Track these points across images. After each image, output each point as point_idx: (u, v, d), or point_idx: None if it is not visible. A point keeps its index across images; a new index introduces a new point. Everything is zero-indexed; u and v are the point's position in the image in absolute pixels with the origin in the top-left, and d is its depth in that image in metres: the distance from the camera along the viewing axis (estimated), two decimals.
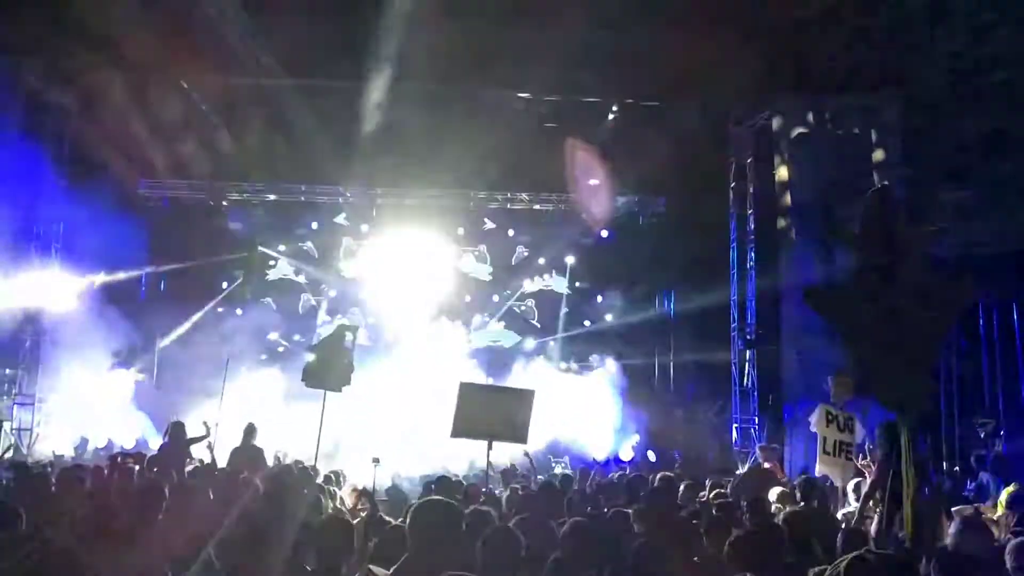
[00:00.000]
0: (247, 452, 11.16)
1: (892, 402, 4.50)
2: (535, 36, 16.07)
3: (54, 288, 17.65)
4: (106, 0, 14.88)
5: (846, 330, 4.43)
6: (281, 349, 20.43)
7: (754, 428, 18.36)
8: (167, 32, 15.52)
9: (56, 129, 17.86)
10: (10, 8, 14.61)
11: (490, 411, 10.76)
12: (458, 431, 10.79)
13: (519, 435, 10.85)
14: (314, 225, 21.67)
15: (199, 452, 11.76)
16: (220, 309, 20.69)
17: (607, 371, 20.70)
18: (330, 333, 10.32)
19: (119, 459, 10.69)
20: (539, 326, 21.96)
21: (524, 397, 11.14)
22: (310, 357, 9.94)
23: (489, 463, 10.53)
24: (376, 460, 9.75)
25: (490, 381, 18.22)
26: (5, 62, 16.58)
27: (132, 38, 15.61)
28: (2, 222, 16.34)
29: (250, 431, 11.57)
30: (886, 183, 4.79)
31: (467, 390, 11.19)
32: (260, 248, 21.22)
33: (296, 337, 20.82)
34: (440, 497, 5.32)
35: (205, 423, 11.60)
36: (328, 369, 9.78)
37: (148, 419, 17.91)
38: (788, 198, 17.85)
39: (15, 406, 17.08)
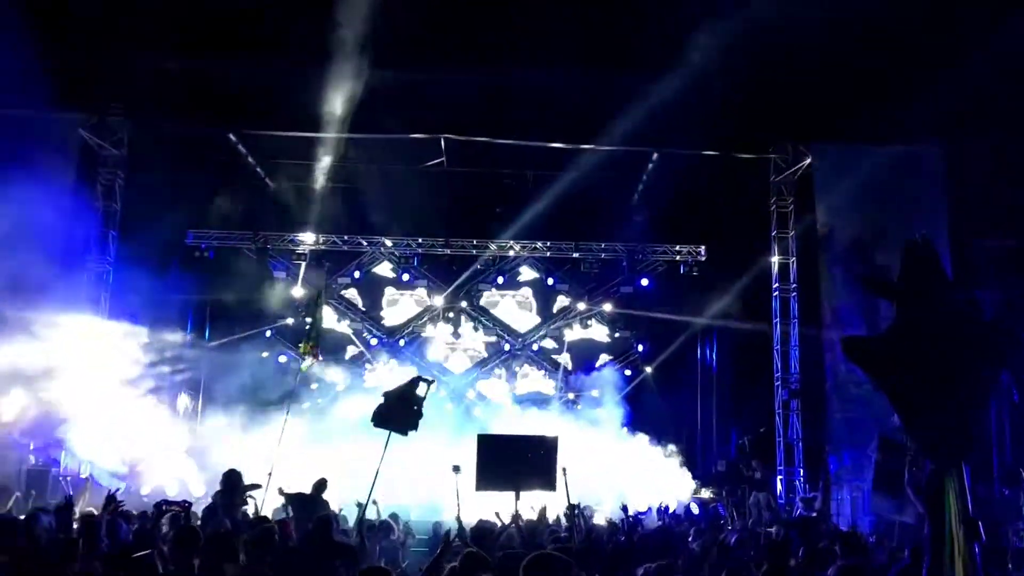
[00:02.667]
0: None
1: (937, 457, 4.40)
2: (575, 85, 16.31)
3: (102, 336, 18.01)
4: (157, 59, 15.47)
5: (886, 383, 4.36)
6: (320, 401, 20.42)
7: (798, 480, 18.00)
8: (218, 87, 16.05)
9: (107, 180, 18.35)
10: (68, 67, 15.12)
11: (513, 461, 10.73)
12: (482, 484, 10.75)
13: (547, 483, 10.78)
14: (356, 274, 21.91)
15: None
16: (265, 354, 20.95)
17: (648, 420, 20.54)
18: (406, 381, 10.51)
19: (164, 507, 10.76)
20: (579, 374, 21.86)
21: (547, 444, 11.09)
22: (382, 400, 10.08)
23: (517, 513, 10.44)
24: (457, 468, 9.69)
25: (528, 429, 18.14)
26: (61, 118, 17.16)
27: (182, 94, 16.16)
28: (54, 269, 16.78)
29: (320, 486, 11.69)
30: (924, 233, 4.70)
31: (487, 442, 11.18)
32: (301, 295, 21.42)
33: (339, 387, 20.86)
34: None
35: (270, 474, 11.80)
36: (397, 413, 9.90)
37: (194, 465, 18.08)
38: (830, 246, 17.73)
39: (64, 453, 17.33)
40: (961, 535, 4.47)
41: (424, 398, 10.81)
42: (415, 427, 10.72)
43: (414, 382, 11.16)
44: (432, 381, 11.77)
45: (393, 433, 10.51)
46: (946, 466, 4.35)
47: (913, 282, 4.39)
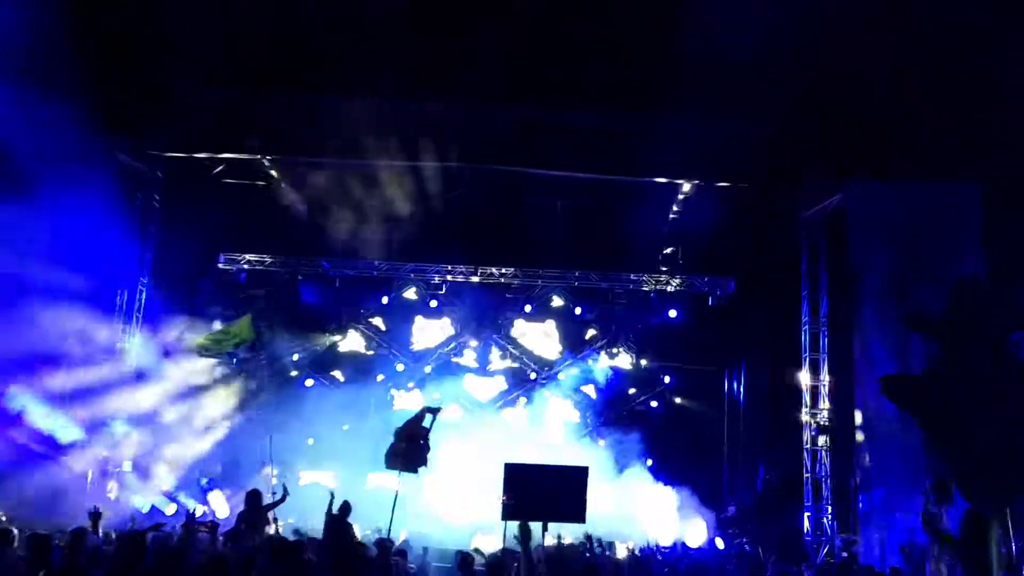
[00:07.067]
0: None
1: (979, 500, 4.32)
2: (605, 119, 16.39)
3: (134, 356, 18.24)
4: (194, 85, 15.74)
5: (927, 422, 4.30)
6: (346, 427, 20.25)
7: (827, 517, 17.74)
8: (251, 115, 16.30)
9: (143, 203, 18.57)
10: (104, 90, 15.37)
11: (541, 491, 10.64)
12: (508, 513, 10.66)
13: (576, 514, 10.67)
14: (384, 300, 21.98)
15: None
16: (294, 372, 21.09)
17: (673, 453, 20.38)
18: (413, 415, 10.53)
19: (192, 526, 10.77)
20: (605, 404, 21.71)
21: (577, 475, 10.99)
22: (393, 440, 10.16)
23: (542, 545, 10.34)
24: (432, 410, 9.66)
25: (552, 459, 18.07)
26: (99, 140, 17.38)
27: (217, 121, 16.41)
28: (88, 288, 16.99)
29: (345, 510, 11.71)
30: (975, 273, 4.66)
31: (514, 471, 11.08)
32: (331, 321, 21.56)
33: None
34: None
35: (285, 486, 11.89)
36: (406, 452, 9.95)
37: (214, 484, 18.18)
38: (862, 282, 17.52)
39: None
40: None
41: (429, 429, 10.82)
42: (424, 463, 10.74)
43: (420, 415, 11.20)
44: (438, 409, 11.75)
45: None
46: (990, 511, 4.27)
47: (960, 320, 4.33)
